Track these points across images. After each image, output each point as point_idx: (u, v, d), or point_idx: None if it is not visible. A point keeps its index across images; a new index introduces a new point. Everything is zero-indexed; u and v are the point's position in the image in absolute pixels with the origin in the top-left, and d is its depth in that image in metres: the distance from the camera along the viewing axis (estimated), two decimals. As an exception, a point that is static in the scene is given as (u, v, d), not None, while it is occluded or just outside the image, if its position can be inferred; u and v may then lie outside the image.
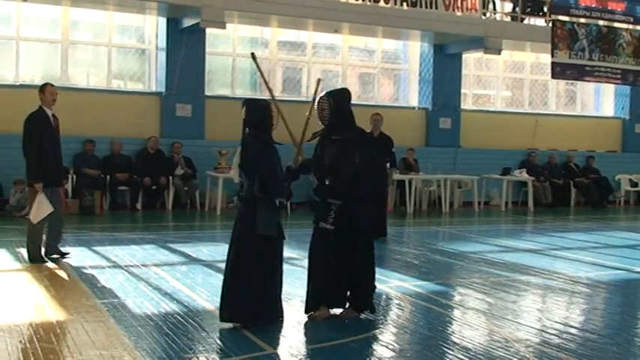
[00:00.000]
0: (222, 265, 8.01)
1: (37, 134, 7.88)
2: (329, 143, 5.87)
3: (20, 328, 5.31)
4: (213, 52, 14.95)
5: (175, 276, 7.36)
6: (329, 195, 5.79)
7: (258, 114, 5.66)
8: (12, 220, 11.32)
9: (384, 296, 6.75)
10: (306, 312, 5.88)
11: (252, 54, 6.46)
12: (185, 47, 13.83)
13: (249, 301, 5.47)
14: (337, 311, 5.93)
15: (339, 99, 5.91)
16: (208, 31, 14.09)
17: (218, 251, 9.17)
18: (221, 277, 7.36)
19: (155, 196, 13.51)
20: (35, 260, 7.88)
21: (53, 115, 8.11)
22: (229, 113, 14.63)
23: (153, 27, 14.35)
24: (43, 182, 7.80)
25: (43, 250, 8.05)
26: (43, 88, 8.11)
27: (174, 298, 6.42)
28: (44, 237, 8.11)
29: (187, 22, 13.62)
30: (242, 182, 5.64)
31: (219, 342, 5.12)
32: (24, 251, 8.48)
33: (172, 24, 13.98)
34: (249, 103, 5.78)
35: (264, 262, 5.54)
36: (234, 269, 5.58)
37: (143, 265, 7.90)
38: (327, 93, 5.93)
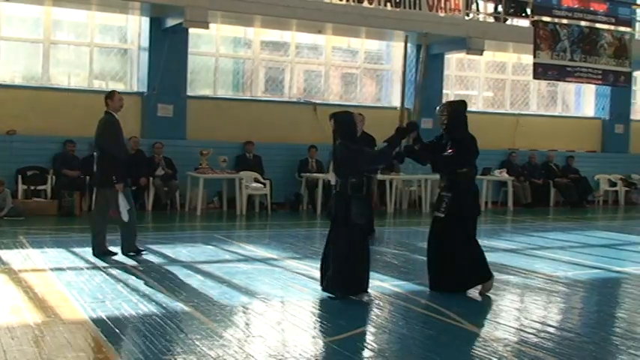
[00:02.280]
0: (202, 266, 8.10)
1: (115, 139, 8.39)
2: (445, 142, 7.01)
3: (-3, 330, 5.28)
4: (196, 52, 14.91)
5: (154, 277, 7.34)
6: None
7: (343, 125, 6.69)
8: (-9, 221, 11.25)
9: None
10: (431, 289, 7.01)
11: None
12: (168, 47, 13.77)
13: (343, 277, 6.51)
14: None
15: (455, 107, 7.12)
16: (191, 31, 14.03)
17: (197, 252, 9.16)
18: (200, 277, 7.44)
19: (135, 196, 13.40)
20: (102, 254, 8.34)
21: None
22: (211, 113, 14.64)
23: (135, 27, 14.27)
24: (123, 183, 8.35)
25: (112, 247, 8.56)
26: (112, 95, 8.62)
27: (153, 299, 6.40)
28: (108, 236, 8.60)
29: (170, 22, 13.56)
30: (336, 181, 6.70)
31: (197, 343, 5.10)
32: (1, 253, 8.45)
33: (155, 24, 13.90)
34: (336, 117, 6.74)
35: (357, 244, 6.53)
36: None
37: (122, 266, 7.87)
38: (447, 102, 7.38)
